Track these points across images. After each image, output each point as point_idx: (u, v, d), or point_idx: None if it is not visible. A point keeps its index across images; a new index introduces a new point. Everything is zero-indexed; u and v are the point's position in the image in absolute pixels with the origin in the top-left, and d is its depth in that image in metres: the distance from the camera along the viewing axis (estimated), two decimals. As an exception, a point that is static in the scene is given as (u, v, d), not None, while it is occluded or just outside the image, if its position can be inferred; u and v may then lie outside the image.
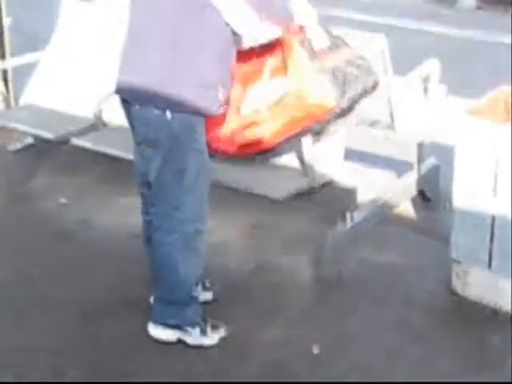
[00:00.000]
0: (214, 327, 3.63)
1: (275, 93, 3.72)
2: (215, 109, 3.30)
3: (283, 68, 3.68)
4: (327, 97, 3.69)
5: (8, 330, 3.75)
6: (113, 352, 3.56)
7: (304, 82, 3.65)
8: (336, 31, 4.03)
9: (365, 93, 3.80)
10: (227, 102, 3.40)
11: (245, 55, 3.74)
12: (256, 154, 4.04)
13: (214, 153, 3.73)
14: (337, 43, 3.74)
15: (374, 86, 3.86)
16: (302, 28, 3.68)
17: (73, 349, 3.57)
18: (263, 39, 3.61)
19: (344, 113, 3.79)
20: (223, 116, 3.60)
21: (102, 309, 3.86)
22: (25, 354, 3.55)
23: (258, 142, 3.88)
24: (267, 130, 3.80)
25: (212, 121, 3.47)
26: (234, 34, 3.29)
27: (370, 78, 3.83)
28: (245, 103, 3.83)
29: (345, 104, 3.72)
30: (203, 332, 3.57)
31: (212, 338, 3.57)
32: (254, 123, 3.84)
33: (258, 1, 3.29)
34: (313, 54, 3.63)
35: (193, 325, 3.55)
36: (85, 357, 3.50)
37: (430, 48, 6.76)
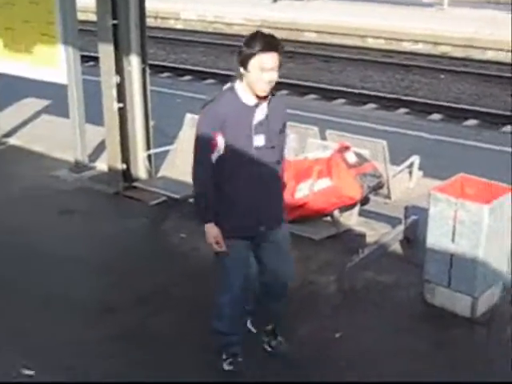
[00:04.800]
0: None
1: (320, 186, 6.10)
2: None
3: (327, 172, 6.04)
4: (355, 191, 6.11)
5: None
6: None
7: (342, 182, 6.05)
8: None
9: (376, 188, 6.25)
10: None
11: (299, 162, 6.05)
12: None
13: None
14: (361, 160, 6.14)
15: (381, 186, 6.26)
16: (341, 149, 6.09)
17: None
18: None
19: (362, 201, 6.23)
20: None
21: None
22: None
23: (308, 214, 6.31)
24: (313, 207, 6.23)
25: None
26: None
27: (378, 181, 6.23)
28: (297, 192, 6.23)
29: (363, 196, 6.19)
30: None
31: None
32: (304, 203, 6.23)
33: None
34: (348, 166, 6.03)
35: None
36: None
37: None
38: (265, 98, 4.42)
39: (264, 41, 4.28)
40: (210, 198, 4.50)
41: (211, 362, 5.07)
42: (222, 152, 4.41)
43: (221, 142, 4.38)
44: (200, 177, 4.48)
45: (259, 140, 4.43)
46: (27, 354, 5.28)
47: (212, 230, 4.55)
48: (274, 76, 4.35)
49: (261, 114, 4.43)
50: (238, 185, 4.50)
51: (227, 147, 4.40)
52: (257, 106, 4.42)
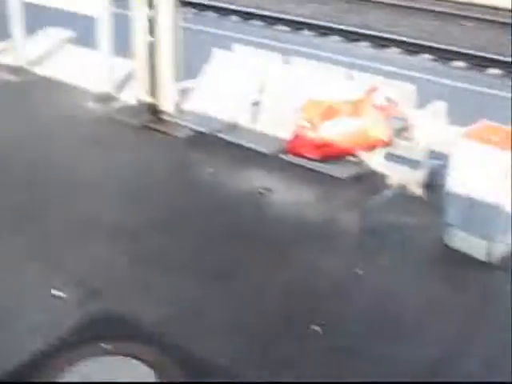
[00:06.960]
0: None
1: (347, 126, 6.22)
2: None
3: (355, 112, 6.14)
4: (381, 133, 6.24)
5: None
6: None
7: (369, 123, 6.17)
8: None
9: (401, 132, 6.45)
10: None
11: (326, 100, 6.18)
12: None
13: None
14: (389, 103, 6.25)
15: (406, 130, 6.42)
16: (370, 91, 6.19)
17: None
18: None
19: (387, 143, 6.42)
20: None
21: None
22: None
23: (333, 153, 6.39)
24: (339, 147, 6.35)
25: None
26: None
27: (404, 124, 6.36)
28: (323, 129, 6.31)
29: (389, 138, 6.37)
30: None
31: None
32: (330, 142, 6.37)
33: None
34: (376, 108, 6.14)
35: None
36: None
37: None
38: None
39: None
40: None
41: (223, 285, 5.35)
42: None
43: None
44: None
45: None
46: (55, 274, 5.49)
47: None
48: None
49: None
50: None
51: None
52: None
